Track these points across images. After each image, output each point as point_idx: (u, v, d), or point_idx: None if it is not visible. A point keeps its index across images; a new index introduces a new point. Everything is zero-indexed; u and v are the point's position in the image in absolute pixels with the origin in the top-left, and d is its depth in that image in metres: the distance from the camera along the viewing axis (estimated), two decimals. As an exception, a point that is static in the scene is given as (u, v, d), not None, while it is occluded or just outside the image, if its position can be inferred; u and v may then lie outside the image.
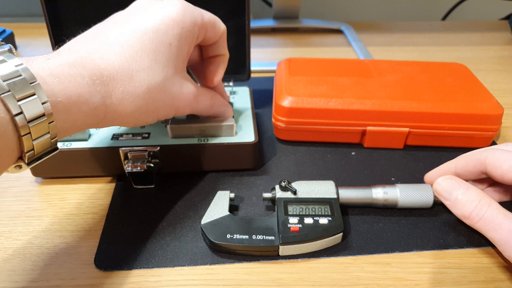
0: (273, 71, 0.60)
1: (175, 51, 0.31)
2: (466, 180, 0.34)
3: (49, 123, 0.23)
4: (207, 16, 0.34)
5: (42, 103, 0.23)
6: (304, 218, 0.33)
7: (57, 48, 0.29)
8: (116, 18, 0.31)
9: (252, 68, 0.58)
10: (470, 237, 0.34)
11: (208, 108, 0.37)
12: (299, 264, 0.32)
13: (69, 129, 0.26)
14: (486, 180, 0.36)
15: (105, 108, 0.27)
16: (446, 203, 0.33)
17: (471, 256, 0.32)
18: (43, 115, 0.23)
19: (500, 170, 0.32)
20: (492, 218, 0.30)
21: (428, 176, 0.37)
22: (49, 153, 0.25)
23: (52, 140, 0.25)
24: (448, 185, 0.33)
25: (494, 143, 0.45)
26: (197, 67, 0.40)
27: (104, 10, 0.41)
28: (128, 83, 0.28)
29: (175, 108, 0.33)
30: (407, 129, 0.43)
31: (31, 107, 0.22)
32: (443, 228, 0.35)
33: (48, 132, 0.24)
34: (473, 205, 0.31)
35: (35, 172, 0.39)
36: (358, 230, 0.34)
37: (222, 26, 0.36)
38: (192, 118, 0.41)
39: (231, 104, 0.45)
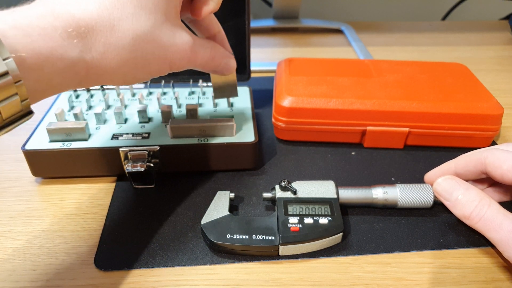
0: (273, 71, 0.60)
1: None
2: (466, 180, 0.34)
3: (15, 82, 0.21)
4: None
5: (3, 60, 0.20)
6: (304, 218, 0.33)
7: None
8: None
9: (252, 68, 0.58)
10: (470, 237, 0.34)
11: (209, 60, 0.34)
12: (299, 264, 0.32)
13: (45, 90, 0.24)
14: (486, 180, 0.36)
15: (86, 64, 0.25)
16: (446, 203, 0.33)
17: (471, 256, 0.32)
18: (6, 73, 0.20)
19: (500, 170, 0.31)
20: (492, 218, 0.30)
21: (428, 176, 0.37)
22: (22, 118, 0.23)
23: (22, 103, 0.22)
24: (448, 185, 0.33)
25: (494, 143, 0.45)
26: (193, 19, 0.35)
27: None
28: (110, 34, 0.25)
29: (169, 61, 0.29)
30: (407, 129, 0.43)
31: None
32: (443, 228, 0.35)
33: (16, 93, 0.21)
34: (473, 206, 0.31)
35: (35, 172, 0.39)
36: (358, 230, 0.34)
37: None
38: (192, 118, 0.41)
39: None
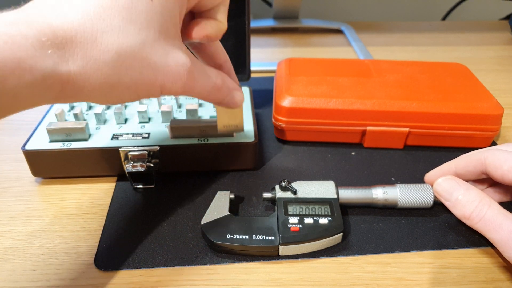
0: (273, 71, 0.60)
1: (159, 9, 0.25)
2: (466, 181, 0.34)
3: None
4: None
5: None
6: (304, 218, 0.33)
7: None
8: None
9: (252, 68, 0.58)
10: (470, 237, 0.34)
11: (212, 91, 0.30)
12: (299, 264, 0.32)
13: (10, 105, 0.21)
14: (486, 181, 0.36)
15: (61, 78, 0.22)
16: (447, 203, 0.33)
17: (471, 256, 0.32)
18: None
19: (500, 170, 0.31)
20: (492, 218, 0.30)
21: (428, 176, 0.37)
22: None
23: None
24: (448, 185, 0.33)
25: (494, 143, 0.45)
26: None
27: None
28: (91, 47, 0.23)
29: (160, 84, 0.26)
30: (407, 129, 0.43)
31: None
32: (443, 228, 0.35)
33: None
34: (473, 206, 0.31)
35: (35, 172, 0.39)
36: (358, 230, 0.34)
37: None
38: (192, 118, 0.41)
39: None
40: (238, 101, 0.33)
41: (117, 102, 0.26)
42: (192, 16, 0.31)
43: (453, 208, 0.32)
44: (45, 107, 0.44)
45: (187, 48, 0.29)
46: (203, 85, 0.29)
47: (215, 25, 0.30)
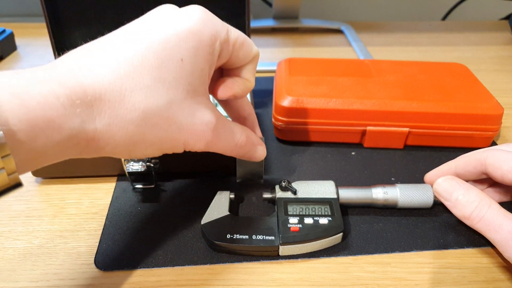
0: (273, 71, 0.60)
1: (188, 68, 0.25)
2: (467, 181, 0.34)
3: (2, 157, 0.19)
4: (235, 32, 0.28)
5: None
6: (304, 218, 0.33)
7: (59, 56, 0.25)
8: (125, 29, 0.26)
9: (252, 68, 0.58)
10: (470, 237, 0.34)
11: (235, 147, 0.30)
12: (299, 264, 0.32)
13: (37, 162, 0.22)
14: (486, 181, 0.36)
15: (87, 136, 0.22)
16: (446, 203, 0.33)
17: (471, 256, 0.32)
18: None
19: (500, 171, 0.31)
20: (492, 219, 0.30)
21: (428, 176, 0.37)
22: (9, 190, 0.21)
23: (10, 176, 0.20)
24: (448, 185, 0.33)
25: (494, 143, 0.45)
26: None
27: (105, 10, 0.41)
28: (118, 105, 0.23)
29: (183, 141, 0.26)
30: (407, 129, 0.43)
31: None
32: (443, 228, 0.35)
33: (3, 168, 0.19)
34: (473, 206, 0.31)
35: (35, 172, 0.39)
36: (358, 230, 0.34)
37: (254, 49, 0.30)
38: None
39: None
40: (259, 156, 0.33)
41: (140, 157, 0.26)
42: (221, 71, 0.31)
43: (453, 208, 0.33)
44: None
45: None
46: (226, 142, 0.29)
47: (242, 84, 0.30)
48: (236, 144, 0.30)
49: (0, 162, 0.19)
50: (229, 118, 0.35)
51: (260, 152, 0.33)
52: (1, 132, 0.18)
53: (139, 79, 0.23)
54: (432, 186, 0.35)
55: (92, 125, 0.22)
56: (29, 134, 0.20)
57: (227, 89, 0.30)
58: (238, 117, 0.34)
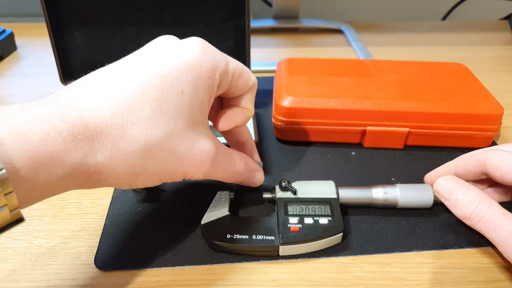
0: (273, 71, 0.60)
1: (188, 100, 0.25)
2: (467, 181, 0.34)
3: (5, 194, 0.19)
4: (233, 63, 0.28)
5: None
6: (304, 218, 0.33)
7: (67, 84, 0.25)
8: (126, 60, 0.26)
9: (252, 68, 0.58)
10: (470, 237, 0.34)
11: (233, 174, 0.31)
12: (299, 264, 0.32)
13: (38, 196, 0.22)
14: (486, 181, 0.36)
15: (88, 169, 0.23)
16: (447, 203, 0.33)
17: (471, 256, 0.32)
18: None
19: (500, 171, 0.32)
20: (492, 218, 0.30)
21: (428, 176, 0.37)
22: (11, 226, 0.21)
23: (12, 212, 0.20)
24: (448, 185, 0.33)
25: (494, 143, 0.45)
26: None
27: (105, 10, 0.41)
28: (120, 138, 0.23)
29: (183, 171, 0.27)
30: (407, 129, 0.43)
31: None
32: (443, 228, 0.35)
33: (5, 205, 0.20)
34: (473, 206, 0.31)
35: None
36: (358, 230, 0.34)
37: (252, 78, 0.30)
38: None
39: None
40: (258, 181, 0.34)
41: (140, 187, 0.26)
42: (220, 98, 0.32)
43: (453, 208, 0.33)
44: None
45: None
46: (225, 170, 0.30)
47: (242, 114, 0.31)
48: (235, 172, 0.31)
49: (2, 199, 0.19)
50: (226, 141, 0.35)
51: (258, 177, 0.34)
52: (4, 170, 0.19)
53: (140, 112, 0.23)
54: (432, 186, 0.35)
55: (94, 158, 0.23)
56: (32, 170, 0.20)
57: (228, 121, 0.30)
58: (236, 143, 0.35)
